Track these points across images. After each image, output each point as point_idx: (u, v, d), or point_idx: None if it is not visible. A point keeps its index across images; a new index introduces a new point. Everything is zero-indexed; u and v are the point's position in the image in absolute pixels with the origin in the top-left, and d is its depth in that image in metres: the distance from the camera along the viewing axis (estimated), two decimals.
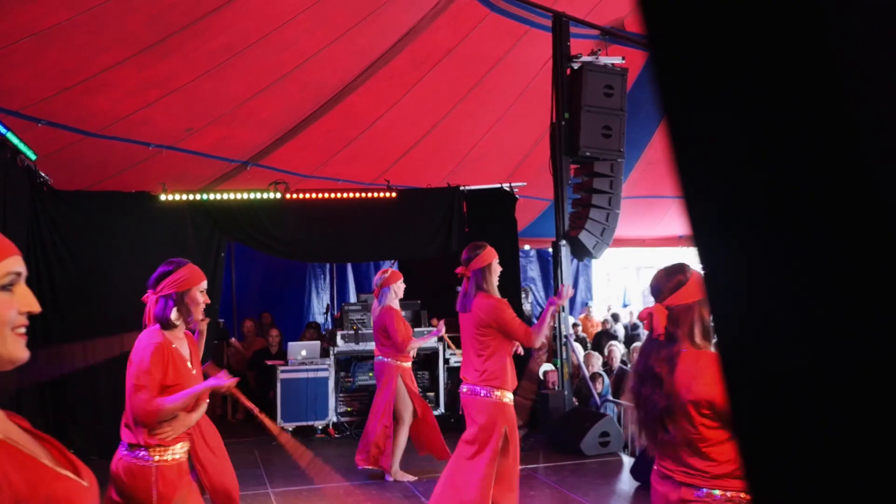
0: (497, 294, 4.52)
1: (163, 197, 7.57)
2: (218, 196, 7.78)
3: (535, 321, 12.52)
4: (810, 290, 0.51)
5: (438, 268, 8.35)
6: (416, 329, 8.35)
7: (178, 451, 3.11)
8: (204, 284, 3.29)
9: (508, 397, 4.47)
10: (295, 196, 7.92)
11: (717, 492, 2.46)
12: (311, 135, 8.66)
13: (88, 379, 7.30)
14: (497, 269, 4.57)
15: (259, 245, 7.98)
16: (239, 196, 7.80)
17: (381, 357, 6.20)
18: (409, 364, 6.27)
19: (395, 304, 6.16)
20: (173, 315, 3.14)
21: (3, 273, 1.27)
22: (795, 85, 0.51)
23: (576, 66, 7.71)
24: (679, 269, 2.67)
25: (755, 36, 0.52)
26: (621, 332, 12.23)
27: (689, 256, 12.24)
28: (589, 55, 7.83)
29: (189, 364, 3.22)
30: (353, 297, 11.58)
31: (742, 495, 2.43)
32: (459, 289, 6.18)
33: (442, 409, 8.42)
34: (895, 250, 0.47)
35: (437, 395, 8.47)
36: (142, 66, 6.56)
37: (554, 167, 7.80)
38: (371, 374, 8.15)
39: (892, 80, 0.48)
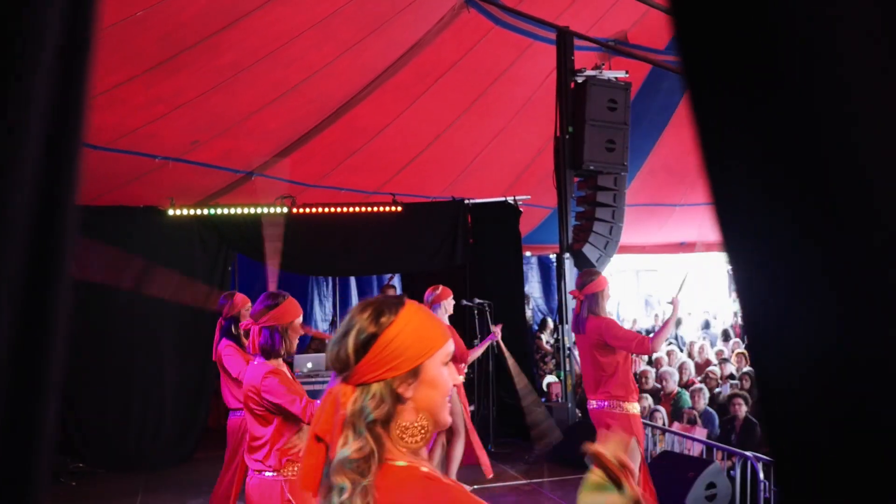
0: (607, 316, 5.01)
1: (171, 212, 7.61)
2: (225, 210, 7.82)
3: (535, 328, 12.46)
4: (837, 291, 0.53)
5: (443, 281, 8.39)
6: None
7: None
8: (301, 316, 3.47)
9: (636, 409, 4.94)
10: (301, 210, 7.96)
11: None
12: (317, 146, 8.69)
13: (98, 394, 7.35)
14: (608, 295, 5.05)
15: (265, 259, 8.03)
16: (246, 210, 7.85)
17: None
18: (462, 378, 6.32)
19: (446, 321, 6.18)
20: (280, 346, 3.33)
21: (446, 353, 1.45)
22: (819, 90, 0.53)
23: (580, 79, 7.76)
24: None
25: (785, 41, 0.54)
26: None
27: (689, 262, 12.22)
28: (592, 69, 7.88)
29: None
30: None
31: None
32: (466, 302, 6.26)
33: None
34: None
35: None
36: (151, 83, 6.59)
37: (558, 180, 7.85)
38: None
39: None
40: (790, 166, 0.55)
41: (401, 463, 1.37)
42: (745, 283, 0.60)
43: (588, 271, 5.21)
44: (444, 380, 1.44)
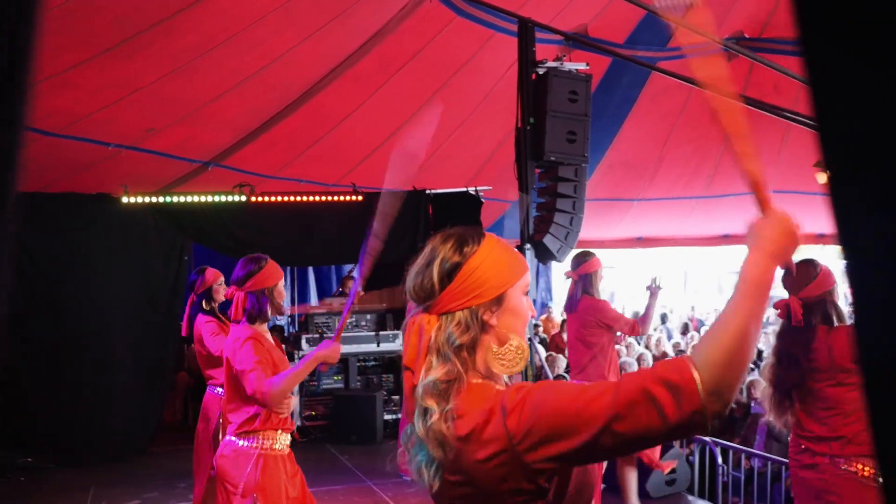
0: (600, 297, 5.15)
1: (124, 199, 7.43)
2: (182, 198, 7.67)
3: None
4: None
5: (404, 271, 8.35)
6: (381, 333, 8.36)
7: (283, 441, 3.35)
8: (283, 278, 3.49)
9: None
10: (260, 199, 7.84)
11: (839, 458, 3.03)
12: (276, 135, 8.57)
13: (48, 386, 7.14)
14: (602, 276, 5.23)
15: (223, 248, 7.88)
16: (203, 198, 7.70)
17: None
18: None
19: None
20: (268, 309, 3.35)
21: (526, 283, 1.51)
22: None
23: (541, 71, 7.77)
24: (811, 264, 3.17)
25: None
26: None
27: (646, 258, 12.38)
28: (553, 60, 7.90)
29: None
30: (313, 300, 11.49)
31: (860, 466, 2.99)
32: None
33: None
34: None
35: (402, 399, 8.47)
36: (104, 66, 6.42)
37: (519, 171, 7.85)
38: (337, 378, 8.12)
39: None
40: None
41: (476, 381, 1.41)
42: (859, 268, 0.60)
43: (582, 252, 5.37)
44: (525, 309, 1.48)
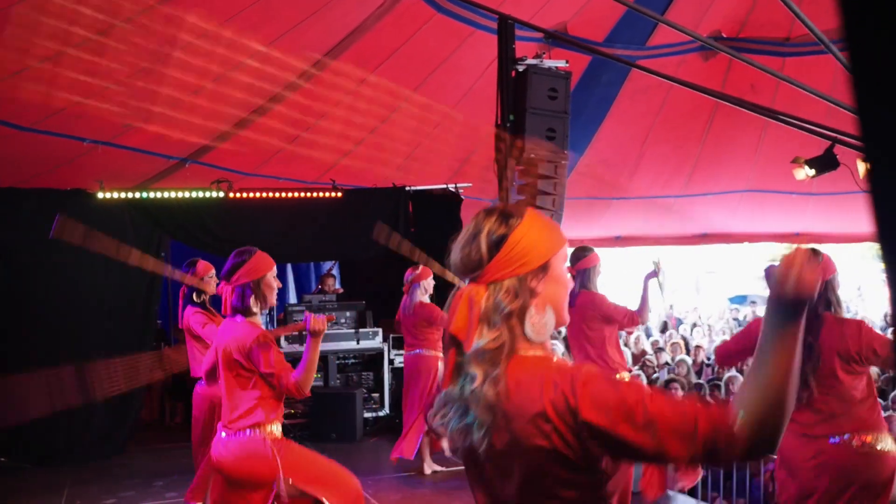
0: (598, 291, 5.21)
1: (100, 195, 7.34)
2: (159, 194, 7.59)
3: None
4: None
5: (383, 269, 8.32)
6: (360, 330, 8.33)
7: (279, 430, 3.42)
8: (275, 269, 3.43)
9: (625, 377, 5.01)
10: (238, 195, 7.78)
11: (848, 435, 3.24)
12: (254, 132, 8.50)
13: (23, 385, 7.02)
14: (600, 271, 5.28)
15: (201, 244, 7.81)
16: (181, 194, 7.63)
17: (419, 350, 6.35)
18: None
19: (426, 300, 6.39)
20: (252, 303, 3.30)
21: (565, 253, 1.58)
22: None
23: (521, 68, 7.78)
24: (815, 253, 3.26)
25: None
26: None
27: (625, 257, 12.45)
28: (533, 58, 7.91)
29: None
30: (292, 297, 11.42)
31: (867, 438, 3.24)
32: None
33: (387, 410, 8.40)
34: None
35: (381, 396, 8.44)
36: (80, 59, 6.34)
37: (499, 168, 7.85)
38: (317, 375, 8.07)
39: None
40: None
41: (535, 353, 1.49)
42: None
43: (581, 247, 5.41)
44: (566, 277, 1.58)
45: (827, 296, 3.37)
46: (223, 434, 3.34)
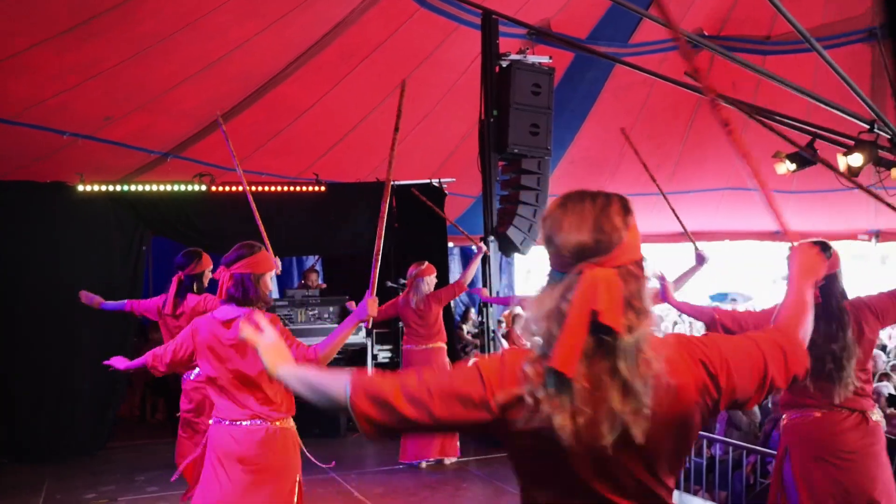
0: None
1: (80, 188, 7.27)
2: (140, 188, 7.53)
3: (458, 318, 12.41)
4: None
5: (367, 264, 8.29)
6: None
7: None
8: (274, 272, 3.43)
9: None
10: (221, 189, 7.74)
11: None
12: (236, 126, 8.42)
13: (2, 382, 6.97)
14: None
15: (184, 238, 7.71)
16: (163, 188, 7.57)
17: (437, 343, 6.61)
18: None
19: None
20: (252, 296, 3.25)
21: None
22: None
23: (504, 63, 7.80)
24: (825, 247, 3.35)
25: None
26: None
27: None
28: (517, 54, 7.93)
29: None
30: (275, 293, 11.36)
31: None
32: (391, 283, 6.28)
33: None
34: None
35: None
36: (61, 49, 6.28)
37: (483, 164, 7.87)
38: None
39: None
40: None
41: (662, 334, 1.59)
42: None
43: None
44: None
45: (840, 287, 3.57)
46: (245, 423, 3.33)
